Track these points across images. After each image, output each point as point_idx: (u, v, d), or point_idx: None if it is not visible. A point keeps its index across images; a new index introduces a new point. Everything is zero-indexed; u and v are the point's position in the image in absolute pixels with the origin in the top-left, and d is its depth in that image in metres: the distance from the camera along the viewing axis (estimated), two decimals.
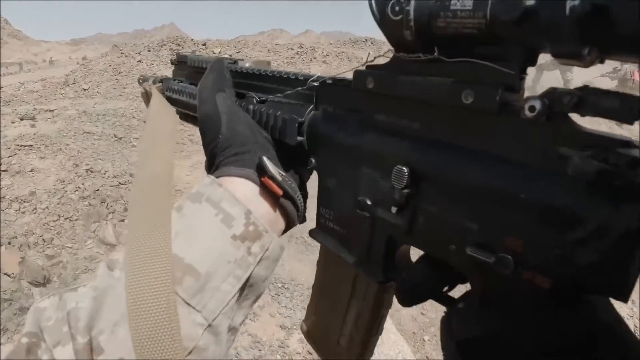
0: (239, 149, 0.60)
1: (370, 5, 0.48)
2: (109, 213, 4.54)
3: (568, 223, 0.37)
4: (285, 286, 3.94)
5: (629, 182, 0.34)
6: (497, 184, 0.42)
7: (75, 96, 7.77)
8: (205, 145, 0.65)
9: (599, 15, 0.32)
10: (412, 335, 3.87)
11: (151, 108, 0.86)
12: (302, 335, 3.55)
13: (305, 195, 0.67)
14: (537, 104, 0.38)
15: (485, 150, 0.43)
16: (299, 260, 4.23)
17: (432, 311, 3.82)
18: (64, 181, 4.81)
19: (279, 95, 0.70)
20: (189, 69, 0.97)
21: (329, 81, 0.63)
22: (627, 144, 0.35)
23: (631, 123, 0.34)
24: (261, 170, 0.57)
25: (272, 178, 0.57)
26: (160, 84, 1.03)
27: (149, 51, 9.68)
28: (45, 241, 4.04)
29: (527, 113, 0.38)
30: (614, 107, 0.34)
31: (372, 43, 13.13)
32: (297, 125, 0.64)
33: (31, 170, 4.87)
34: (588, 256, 0.36)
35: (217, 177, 0.57)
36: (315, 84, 0.64)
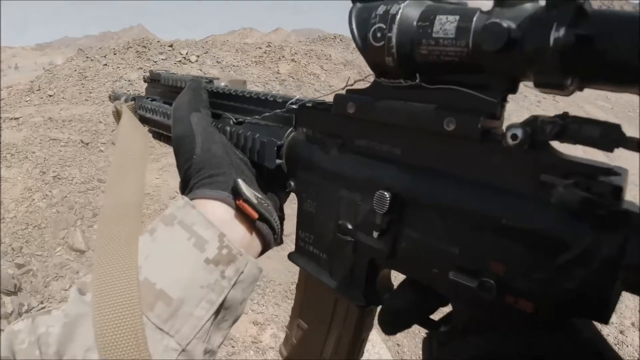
0: (213, 170, 0.60)
1: (352, 31, 0.48)
2: (78, 219, 4.52)
3: (551, 249, 0.37)
4: (257, 283, 3.98)
5: (612, 211, 0.34)
6: (479, 209, 0.42)
7: (40, 103, 7.64)
8: (179, 165, 0.64)
9: (583, 45, 0.33)
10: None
11: (121, 128, 0.84)
12: (274, 331, 3.63)
13: (282, 218, 0.66)
14: (519, 132, 0.38)
15: (467, 177, 0.43)
16: (270, 256, 4.26)
17: None
18: (31, 189, 4.78)
19: (257, 117, 0.69)
20: (162, 87, 0.96)
21: (309, 104, 0.62)
22: (609, 171, 0.36)
23: (611, 151, 0.34)
24: (236, 193, 0.57)
25: (247, 201, 0.56)
26: (133, 102, 1.01)
27: (115, 54, 9.55)
28: (14, 250, 4.02)
29: (509, 141, 0.38)
30: (594, 136, 0.34)
31: (341, 40, 13.19)
32: (276, 148, 0.63)
33: None
34: (570, 281, 0.36)
35: (191, 199, 0.56)
36: (294, 106, 0.63)
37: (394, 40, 0.44)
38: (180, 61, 9.55)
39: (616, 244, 0.34)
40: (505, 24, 0.36)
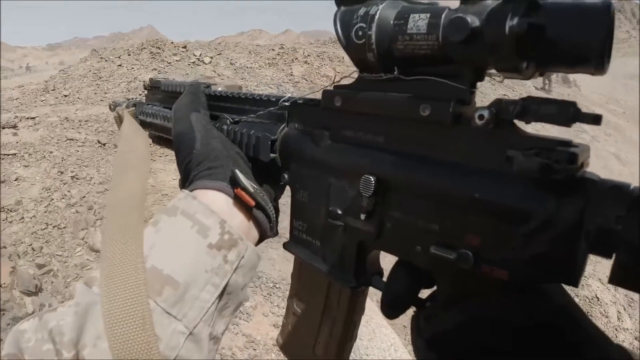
0: (212, 163, 0.63)
1: (337, 30, 0.53)
2: (97, 220, 4.53)
3: (517, 218, 0.41)
4: (277, 286, 3.99)
5: (568, 175, 0.38)
6: (454, 186, 0.46)
7: (56, 103, 7.70)
8: (180, 161, 0.67)
9: (535, 33, 0.37)
10: (403, 328, 3.96)
11: (123, 131, 0.88)
12: None
13: (277, 209, 0.69)
14: (485, 113, 0.42)
15: (442, 157, 0.47)
16: (289, 259, 4.24)
17: None
18: (49, 189, 4.79)
19: (252, 115, 0.74)
20: (162, 93, 1.00)
21: (300, 101, 0.66)
22: (566, 143, 0.40)
23: (569, 126, 0.37)
24: (234, 182, 0.60)
25: (245, 189, 0.59)
26: (134, 108, 1.05)
27: (129, 55, 9.61)
28: (34, 250, 4.03)
29: (477, 121, 0.43)
30: (552, 113, 0.38)
31: None
32: (270, 142, 0.67)
33: (16, 179, 4.84)
34: (537, 247, 0.40)
35: (191, 191, 0.59)
36: (287, 103, 0.68)
37: (373, 37, 0.49)
38: (194, 62, 9.59)
39: (576, 209, 0.37)
40: (468, 17, 0.41)
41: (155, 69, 9.02)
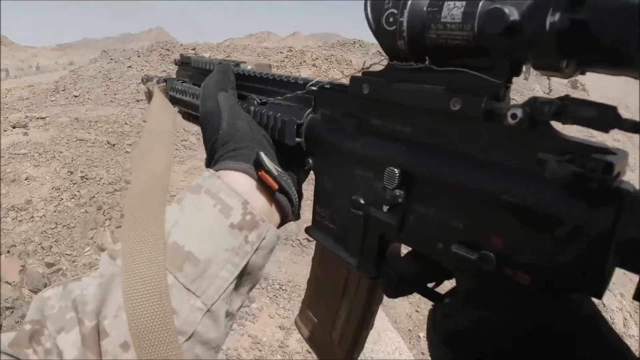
0: (237, 144, 0.62)
1: (367, 15, 0.51)
2: (106, 220, 4.57)
3: (546, 223, 0.39)
4: (283, 288, 4.01)
5: (603, 185, 0.36)
6: (481, 185, 0.44)
7: (66, 103, 7.76)
8: (206, 140, 0.67)
9: (578, 30, 0.34)
10: (408, 332, 3.96)
11: (152, 106, 0.87)
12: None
13: (300, 194, 0.69)
14: (519, 112, 0.39)
15: (471, 154, 0.45)
16: (295, 262, 4.31)
17: (427, 309, 3.92)
18: (59, 189, 4.84)
19: (279, 97, 0.73)
20: (192, 69, 0.99)
21: (327, 86, 0.65)
22: (603, 150, 0.37)
23: (607, 131, 0.35)
24: (258, 165, 0.59)
25: (268, 172, 0.59)
26: (164, 83, 1.05)
27: (139, 56, 9.67)
28: (44, 249, 4.07)
29: (510, 120, 0.40)
30: (591, 116, 0.36)
31: (360, 45, 13.22)
32: (296, 126, 0.66)
33: (26, 179, 4.89)
34: (564, 255, 0.38)
35: (216, 171, 0.59)
36: (314, 88, 0.66)
37: (405, 24, 0.47)
38: None
39: (608, 219, 0.36)
40: (506, 9, 0.38)
41: (165, 71, 9.06)
